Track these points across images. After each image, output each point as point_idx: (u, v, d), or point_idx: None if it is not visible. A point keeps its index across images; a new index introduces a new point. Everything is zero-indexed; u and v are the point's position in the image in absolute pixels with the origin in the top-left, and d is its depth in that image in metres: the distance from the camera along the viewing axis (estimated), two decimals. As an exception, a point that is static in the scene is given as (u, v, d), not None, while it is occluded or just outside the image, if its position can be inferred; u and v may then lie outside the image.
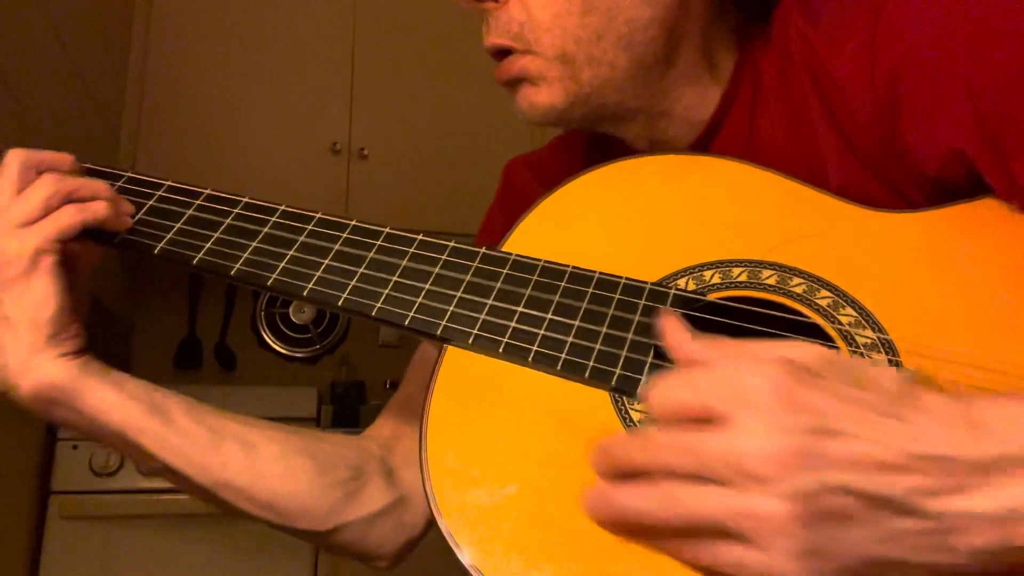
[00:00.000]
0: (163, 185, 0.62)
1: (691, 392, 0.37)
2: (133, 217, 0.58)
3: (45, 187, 0.52)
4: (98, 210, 0.54)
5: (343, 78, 2.25)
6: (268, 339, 2.30)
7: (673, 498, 0.35)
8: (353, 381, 2.31)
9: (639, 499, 0.37)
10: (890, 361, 0.43)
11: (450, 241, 0.55)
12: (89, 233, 0.55)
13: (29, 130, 1.42)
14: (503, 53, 0.59)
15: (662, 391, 0.38)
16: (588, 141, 0.69)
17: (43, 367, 0.51)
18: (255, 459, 0.57)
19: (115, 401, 0.53)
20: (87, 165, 0.61)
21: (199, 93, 2.13)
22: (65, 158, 0.56)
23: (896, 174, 0.50)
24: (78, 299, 0.54)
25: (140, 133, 2.05)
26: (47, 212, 0.52)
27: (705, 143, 0.60)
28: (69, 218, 0.52)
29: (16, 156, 0.53)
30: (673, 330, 0.41)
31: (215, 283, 2.31)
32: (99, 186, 0.56)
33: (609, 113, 0.59)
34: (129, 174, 0.62)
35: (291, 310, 2.31)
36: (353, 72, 2.26)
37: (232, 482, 0.56)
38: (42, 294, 0.51)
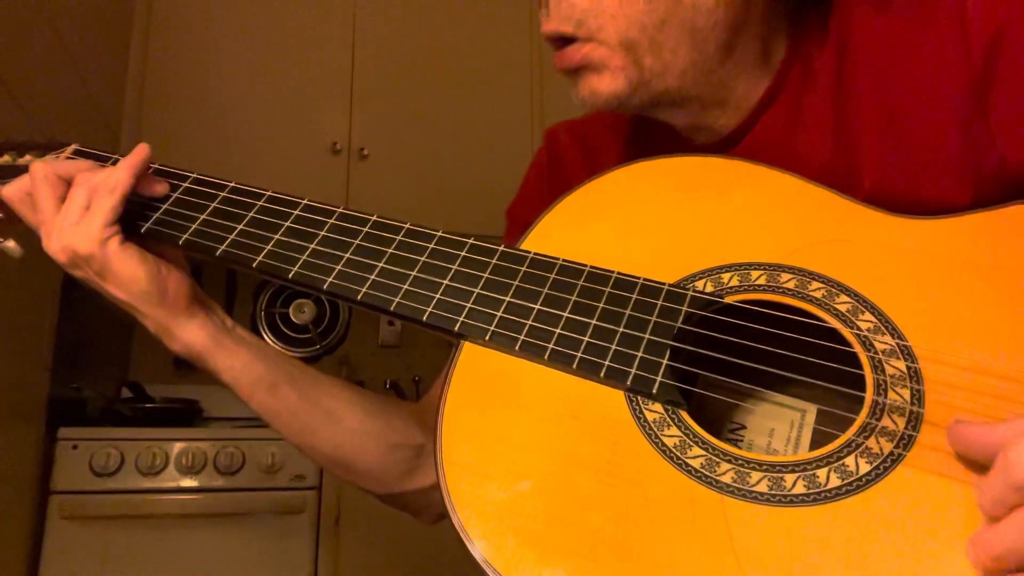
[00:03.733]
0: (188, 177, 0.63)
1: None
2: (162, 202, 0.61)
3: (81, 190, 0.58)
4: (125, 179, 0.58)
5: (343, 78, 2.25)
6: (268, 339, 2.29)
7: None
8: (353, 381, 2.29)
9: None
10: (908, 367, 0.43)
11: (468, 239, 0.56)
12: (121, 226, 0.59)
13: (29, 129, 1.41)
14: (562, 40, 0.58)
15: None
16: (631, 114, 0.69)
17: (173, 334, 0.60)
18: (337, 431, 0.65)
19: (227, 368, 0.61)
20: (115, 156, 0.63)
21: (199, 93, 2.12)
22: (82, 164, 0.61)
23: (968, 164, 0.50)
24: (166, 256, 0.61)
25: (140, 133, 2.04)
26: (90, 209, 0.57)
27: (743, 132, 0.60)
28: (109, 197, 0.57)
29: (41, 170, 0.58)
30: (960, 433, 0.38)
31: (214, 283, 2.31)
32: (119, 174, 0.59)
33: (666, 100, 0.58)
34: (156, 166, 0.63)
35: (291, 310, 2.31)
36: (353, 72, 2.26)
37: (316, 447, 0.65)
38: (129, 271, 0.57)
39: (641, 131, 0.67)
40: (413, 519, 0.73)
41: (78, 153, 0.66)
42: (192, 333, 0.60)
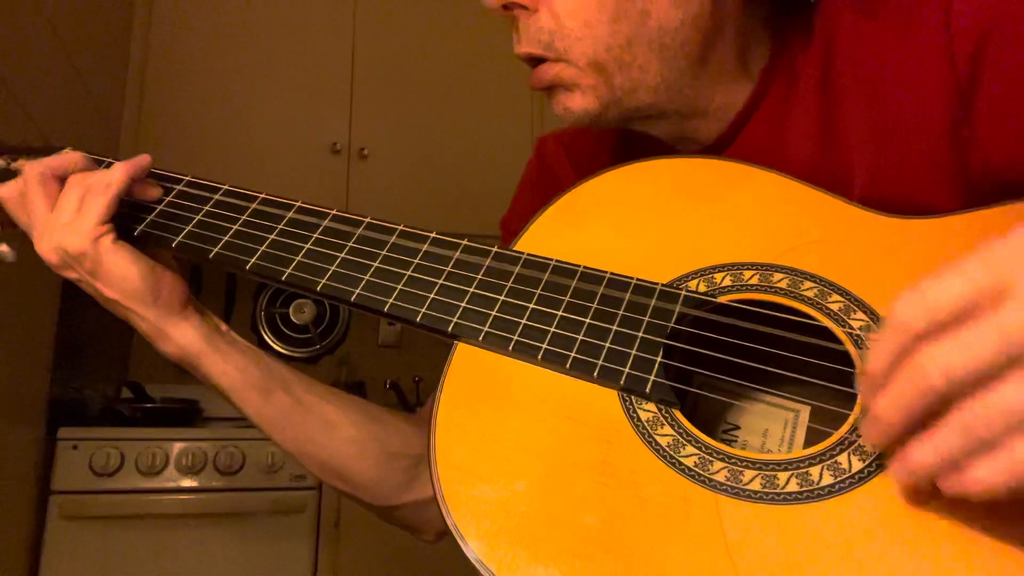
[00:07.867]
0: (182, 180, 0.63)
1: (961, 280, 0.32)
2: (155, 206, 0.61)
3: (75, 190, 0.57)
4: (120, 178, 0.58)
5: (343, 78, 2.25)
6: (268, 339, 2.29)
7: (989, 415, 0.30)
8: (353, 381, 2.31)
9: (942, 444, 0.32)
10: None
11: (463, 239, 0.56)
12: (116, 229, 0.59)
13: (30, 131, 1.42)
14: (536, 60, 0.58)
15: (916, 298, 0.32)
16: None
17: (166, 334, 0.59)
18: (333, 438, 0.63)
19: (221, 371, 0.60)
20: (109, 159, 0.63)
21: (199, 93, 2.13)
22: (74, 157, 0.60)
23: (957, 168, 0.50)
24: (160, 259, 0.60)
25: (140, 133, 2.05)
26: (83, 208, 0.57)
27: (728, 140, 0.60)
28: (103, 196, 0.57)
29: (34, 170, 0.58)
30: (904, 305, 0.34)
31: (214, 283, 2.31)
32: (115, 173, 0.59)
33: (642, 114, 0.59)
34: (150, 170, 0.63)
35: (291, 310, 2.31)
36: (353, 72, 2.26)
37: (312, 454, 0.63)
38: (121, 269, 0.57)
39: (627, 140, 0.67)
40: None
41: None
42: (186, 334, 0.59)
